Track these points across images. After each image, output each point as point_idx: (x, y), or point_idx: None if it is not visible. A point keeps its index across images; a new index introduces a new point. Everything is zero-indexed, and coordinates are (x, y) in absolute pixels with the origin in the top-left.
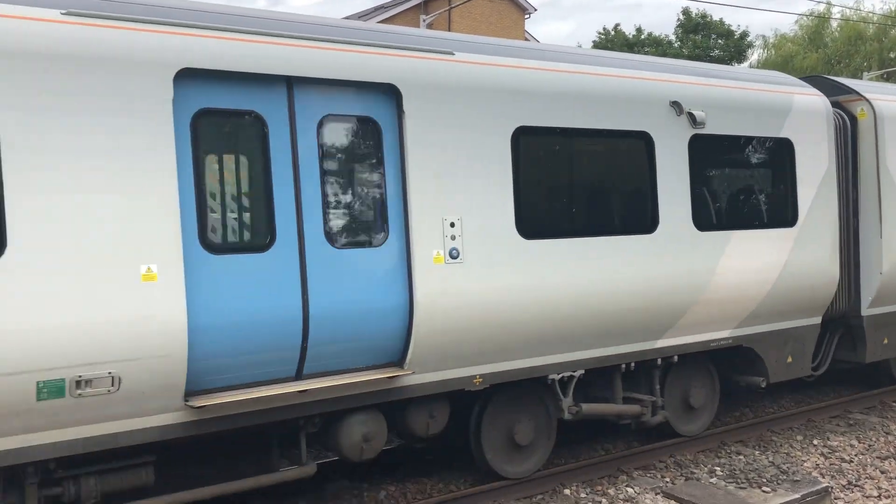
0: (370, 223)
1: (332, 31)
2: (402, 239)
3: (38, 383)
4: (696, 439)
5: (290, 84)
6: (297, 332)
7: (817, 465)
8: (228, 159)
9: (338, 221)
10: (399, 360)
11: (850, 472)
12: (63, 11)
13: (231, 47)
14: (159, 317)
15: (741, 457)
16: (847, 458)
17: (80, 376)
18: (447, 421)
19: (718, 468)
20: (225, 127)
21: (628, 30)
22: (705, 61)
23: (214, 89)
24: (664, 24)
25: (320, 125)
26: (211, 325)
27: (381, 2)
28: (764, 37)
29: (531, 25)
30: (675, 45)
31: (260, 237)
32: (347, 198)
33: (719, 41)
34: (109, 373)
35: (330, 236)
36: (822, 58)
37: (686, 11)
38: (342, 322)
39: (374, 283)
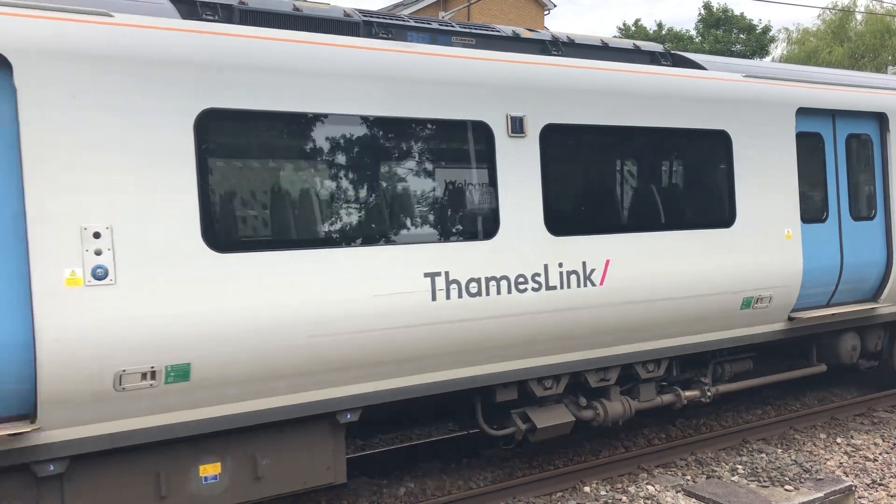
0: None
1: (848, 78)
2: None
3: (744, 299)
4: (717, 436)
5: (833, 115)
6: (836, 271)
7: (841, 463)
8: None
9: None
10: None
11: (874, 470)
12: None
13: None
14: (792, 263)
15: (763, 455)
16: (871, 456)
17: (760, 296)
18: None
19: (740, 466)
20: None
21: (649, 25)
22: (727, 56)
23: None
24: (685, 20)
25: (847, 140)
26: (811, 269)
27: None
28: (787, 30)
29: (550, 21)
30: (696, 40)
31: (818, 213)
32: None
33: (741, 36)
34: (770, 295)
35: (853, 212)
36: (847, 52)
37: (707, 6)
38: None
39: None
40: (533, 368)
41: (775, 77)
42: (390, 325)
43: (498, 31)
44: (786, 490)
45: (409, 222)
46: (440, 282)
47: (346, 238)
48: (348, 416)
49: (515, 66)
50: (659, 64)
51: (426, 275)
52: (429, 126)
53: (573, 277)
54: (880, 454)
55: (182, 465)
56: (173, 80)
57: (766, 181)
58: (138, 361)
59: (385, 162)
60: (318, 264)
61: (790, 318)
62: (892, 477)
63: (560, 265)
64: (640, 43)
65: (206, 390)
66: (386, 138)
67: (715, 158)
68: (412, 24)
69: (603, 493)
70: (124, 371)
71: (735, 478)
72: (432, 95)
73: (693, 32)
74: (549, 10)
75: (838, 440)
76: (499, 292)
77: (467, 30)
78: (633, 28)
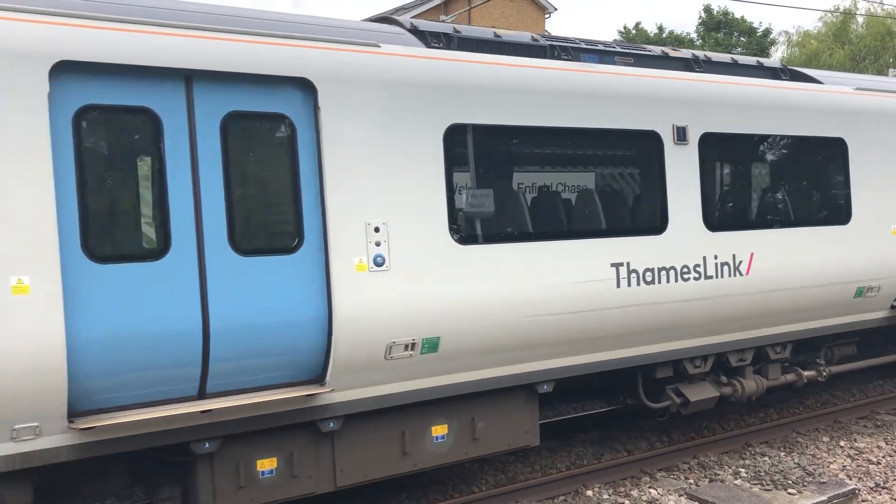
0: None
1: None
2: None
3: (857, 288)
4: (720, 440)
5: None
6: None
7: (844, 466)
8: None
9: None
10: None
11: (878, 473)
12: None
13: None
14: None
15: (766, 458)
16: (874, 459)
17: (870, 286)
18: None
19: (743, 469)
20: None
21: (650, 28)
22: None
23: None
24: (685, 22)
25: None
26: None
27: (401, 3)
28: (787, 33)
29: (551, 25)
30: (697, 42)
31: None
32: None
33: (741, 39)
34: (879, 286)
35: None
36: (848, 54)
37: (707, 9)
38: None
39: None
40: (688, 349)
41: (882, 90)
42: (584, 308)
43: (649, 52)
44: (789, 493)
45: (598, 219)
46: (623, 271)
47: (552, 233)
48: (545, 388)
49: (679, 83)
50: (779, 78)
51: (612, 265)
52: (613, 135)
53: (725, 268)
54: (883, 457)
55: (420, 426)
56: (427, 99)
57: (875, 183)
58: (403, 335)
59: (578, 167)
60: (532, 255)
61: (892, 307)
62: (895, 480)
63: (715, 257)
64: (762, 60)
65: (447, 361)
66: (580, 147)
67: (834, 163)
68: (584, 46)
69: (605, 496)
70: (393, 343)
71: (738, 481)
72: (616, 109)
73: (694, 35)
74: (549, 13)
75: (841, 443)
76: (668, 280)
77: (627, 50)
78: (633, 31)
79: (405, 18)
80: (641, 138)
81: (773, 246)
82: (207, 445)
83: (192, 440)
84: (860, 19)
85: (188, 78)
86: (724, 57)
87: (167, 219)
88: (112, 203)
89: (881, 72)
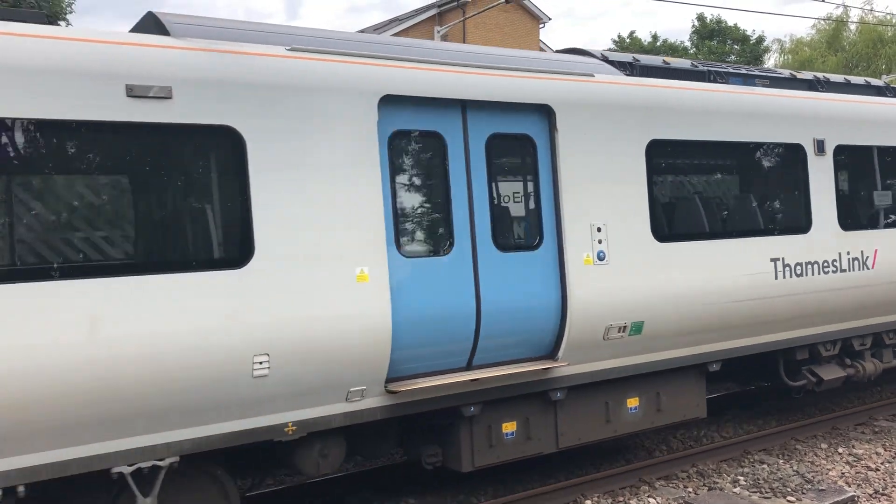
0: None
1: None
2: None
3: None
4: (718, 448)
5: None
6: None
7: (843, 473)
8: None
9: None
10: None
11: (877, 480)
12: None
13: None
14: None
15: (765, 466)
16: (873, 466)
17: None
18: None
19: (742, 477)
20: None
21: (644, 37)
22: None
23: None
24: (680, 31)
25: None
26: None
27: (394, 14)
28: (780, 41)
29: (546, 35)
30: (691, 51)
31: None
32: None
33: (735, 46)
34: None
35: None
36: (841, 61)
37: (701, 17)
38: None
39: None
40: (823, 334)
41: None
42: (750, 297)
43: (780, 74)
44: (788, 501)
45: (758, 220)
46: (779, 265)
47: (726, 232)
48: (714, 367)
49: (817, 102)
50: (885, 95)
51: (771, 259)
52: (769, 148)
53: (855, 262)
54: (882, 464)
55: (619, 398)
56: (632, 119)
57: None
58: (617, 319)
59: (743, 175)
60: (712, 250)
61: None
62: (894, 487)
63: (847, 253)
64: (869, 80)
65: (647, 342)
66: (744, 158)
67: None
68: (731, 70)
69: None
70: (610, 325)
71: (737, 489)
72: (771, 125)
73: (688, 44)
74: (543, 23)
75: (840, 450)
76: (812, 273)
77: (764, 74)
78: (628, 40)
79: (595, 50)
80: (790, 150)
81: (890, 244)
82: (472, 409)
83: (461, 404)
84: (852, 27)
85: (463, 107)
86: (839, 77)
87: (451, 222)
88: (414, 209)
89: (874, 77)
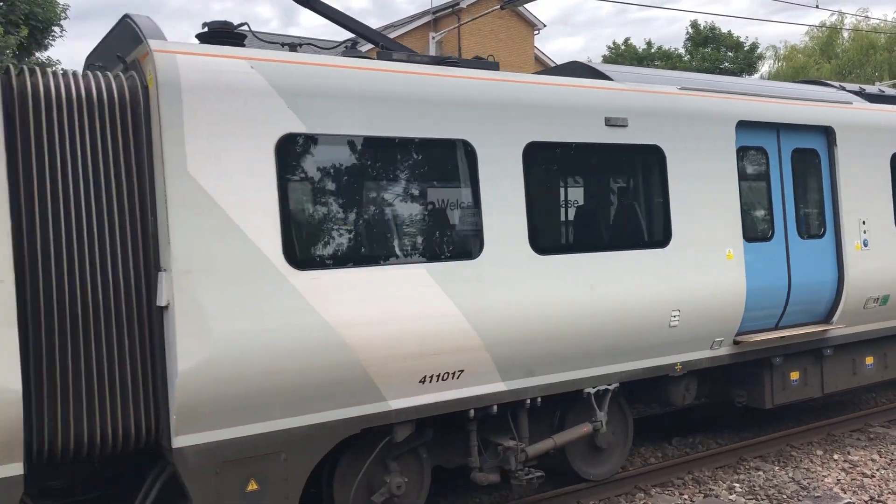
0: None
1: None
2: None
3: None
4: (714, 455)
5: None
6: None
7: (838, 480)
8: None
9: None
10: None
11: (872, 487)
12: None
13: None
14: None
15: (760, 473)
16: (869, 472)
17: None
18: None
19: (738, 484)
20: None
21: (639, 44)
22: (716, 74)
23: None
24: (674, 38)
25: None
26: None
27: (389, 21)
28: (774, 47)
29: (540, 41)
30: (685, 58)
31: None
32: None
33: (729, 53)
34: None
35: None
36: (834, 68)
37: (695, 24)
38: None
39: None
40: None
41: None
42: None
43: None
44: None
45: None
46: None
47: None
48: None
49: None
50: None
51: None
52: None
53: None
54: (878, 470)
55: (861, 357)
56: (876, 140)
57: None
58: (873, 292)
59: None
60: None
61: None
62: (889, 493)
63: None
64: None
65: (888, 311)
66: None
67: None
68: (872, 91)
69: None
70: (868, 297)
71: (733, 496)
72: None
73: (682, 51)
74: (538, 30)
75: (835, 456)
76: None
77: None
78: (622, 47)
79: (830, 81)
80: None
81: None
82: (778, 360)
83: (772, 356)
84: (846, 34)
85: (777, 129)
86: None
87: (772, 214)
88: (751, 205)
89: (870, 84)
